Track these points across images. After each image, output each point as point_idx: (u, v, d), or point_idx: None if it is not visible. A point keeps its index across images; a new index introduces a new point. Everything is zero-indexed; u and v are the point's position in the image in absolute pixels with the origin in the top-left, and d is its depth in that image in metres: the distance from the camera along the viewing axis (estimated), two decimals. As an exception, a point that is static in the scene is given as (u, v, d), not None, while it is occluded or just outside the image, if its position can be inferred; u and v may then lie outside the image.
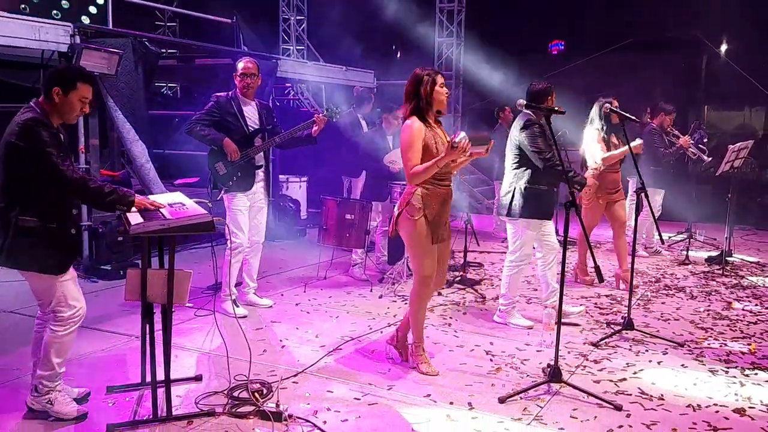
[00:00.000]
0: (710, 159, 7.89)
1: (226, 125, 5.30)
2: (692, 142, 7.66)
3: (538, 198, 5.04)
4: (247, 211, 5.42)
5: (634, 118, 5.54)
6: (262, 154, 5.45)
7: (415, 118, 4.02)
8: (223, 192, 5.34)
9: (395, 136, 6.98)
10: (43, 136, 3.28)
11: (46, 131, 3.31)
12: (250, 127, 5.37)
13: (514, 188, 5.09)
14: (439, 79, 4.07)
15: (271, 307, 5.69)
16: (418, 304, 4.26)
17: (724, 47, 13.01)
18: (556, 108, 4.30)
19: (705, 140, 8.06)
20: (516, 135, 5.07)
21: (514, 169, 5.10)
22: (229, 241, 5.31)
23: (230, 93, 5.40)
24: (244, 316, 5.37)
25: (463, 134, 3.84)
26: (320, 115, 5.49)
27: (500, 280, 5.50)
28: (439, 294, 6.06)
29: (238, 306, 5.46)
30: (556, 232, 8.91)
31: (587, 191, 6.26)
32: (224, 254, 5.40)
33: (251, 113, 5.41)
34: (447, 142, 3.90)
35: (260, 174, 5.46)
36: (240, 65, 5.36)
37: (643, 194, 5.18)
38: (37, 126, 3.29)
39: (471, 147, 3.88)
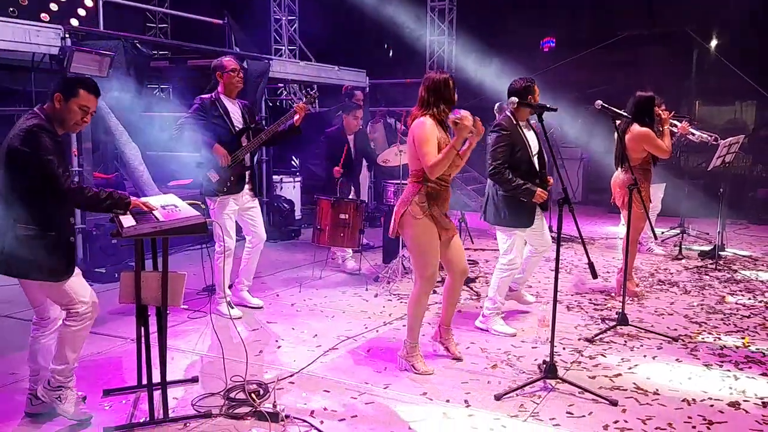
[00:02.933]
0: (714, 136, 7.74)
1: (213, 127, 5.27)
2: (690, 125, 7.57)
3: (511, 206, 4.87)
4: (235, 215, 5.43)
5: (626, 114, 5.54)
6: (248, 155, 5.45)
7: (427, 117, 4.14)
8: (218, 198, 5.32)
9: (356, 135, 7.02)
10: (46, 143, 3.26)
11: (50, 139, 3.29)
12: (235, 127, 5.37)
13: (489, 194, 5.02)
14: (451, 83, 4.22)
15: (261, 308, 5.68)
16: (418, 303, 4.27)
17: (714, 42, 13.05)
18: (548, 105, 4.27)
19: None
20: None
21: (490, 173, 4.92)
22: (217, 245, 5.33)
23: (213, 95, 5.36)
24: (239, 318, 5.38)
25: (462, 111, 4.00)
26: (300, 103, 5.48)
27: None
28: (434, 292, 6.06)
29: (233, 308, 5.48)
30: (550, 228, 9.04)
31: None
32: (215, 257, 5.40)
33: (235, 113, 5.40)
34: (452, 122, 4.00)
35: (247, 175, 5.47)
36: (227, 62, 5.33)
37: (635, 190, 5.19)
38: (41, 132, 3.27)
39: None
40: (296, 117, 5.40)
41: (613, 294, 6.15)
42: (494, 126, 4.95)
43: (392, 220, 4.29)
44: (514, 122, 4.88)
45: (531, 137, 4.96)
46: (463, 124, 3.94)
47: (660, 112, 5.97)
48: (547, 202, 5.02)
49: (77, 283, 3.47)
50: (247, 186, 5.46)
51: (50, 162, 3.25)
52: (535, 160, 4.92)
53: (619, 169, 5.91)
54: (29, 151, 3.24)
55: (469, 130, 3.98)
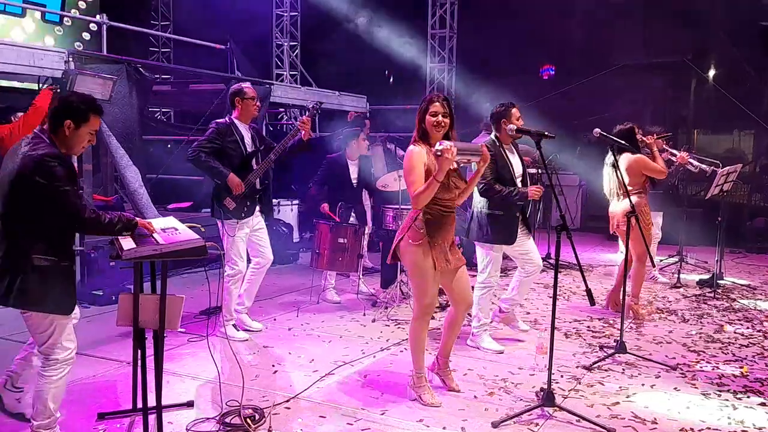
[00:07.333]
0: (712, 168, 7.78)
1: (227, 151, 5.34)
2: (689, 156, 7.60)
3: (494, 223, 5.07)
4: (246, 238, 5.47)
5: (624, 143, 5.60)
6: (258, 177, 5.50)
7: (415, 145, 4.06)
8: (238, 222, 5.36)
9: (361, 160, 7.07)
10: (60, 172, 3.17)
11: (63, 167, 3.20)
12: (247, 152, 5.44)
13: (473, 212, 5.22)
14: (432, 107, 4.00)
15: (261, 331, 5.70)
16: (415, 331, 4.20)
17: (712, 72, 13.18)
18: (545, 132, 4.31)
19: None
20: None
21: (481, 191, 5.05)
22: (227, 268, 5.37)
23: (227, 119, 5.44)
24: (245, 340, 5.42)
25: (446, 142, 3.80)
26: (303, 117, 5.58)
27: (492, 304, 5.49)
28: (432, 318, 6.04)
29: (238, 330, 5.51)
30: (548, 255, 9.05)
31: (644, 217, 5.92)
32: (221, 280, 5.38)
33: (247, 137, 5.49)
34: (434, 153, 3.85)
35: (257, 198, 5.53)
36: (248, 90, 5.42)
37: (633, 217, 5.22)
38: (54, 161, 3.17)
39: (460, 153, 3.85)
40: (302, 132, 5.44)
41: (611, 321, 6.13)
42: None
43: (392, 246, 4.23)
44: (497, 144, 5.11)
45: (515, 161, 5.17)
46: (444, 156, 3.74)
47: (643, 138, 6.22)
48: (531, 220, 5.30)
49: (70, 327, 3.41)
50: (257, 208, 5.52)
51: (67, 193, 3.18)
52: (519, 182, 5.13)
53: (616, 200, 6.02)
54: (45, 183, 3.14)
55: (451, 162, 3.80)
